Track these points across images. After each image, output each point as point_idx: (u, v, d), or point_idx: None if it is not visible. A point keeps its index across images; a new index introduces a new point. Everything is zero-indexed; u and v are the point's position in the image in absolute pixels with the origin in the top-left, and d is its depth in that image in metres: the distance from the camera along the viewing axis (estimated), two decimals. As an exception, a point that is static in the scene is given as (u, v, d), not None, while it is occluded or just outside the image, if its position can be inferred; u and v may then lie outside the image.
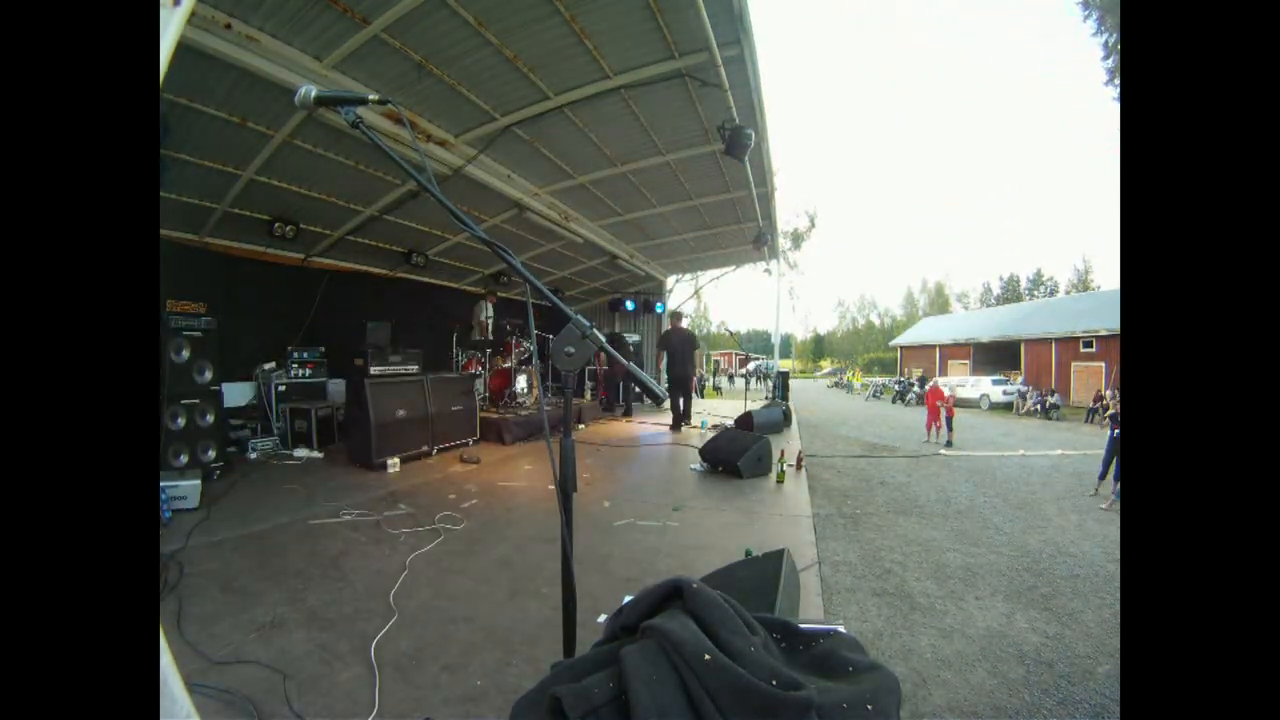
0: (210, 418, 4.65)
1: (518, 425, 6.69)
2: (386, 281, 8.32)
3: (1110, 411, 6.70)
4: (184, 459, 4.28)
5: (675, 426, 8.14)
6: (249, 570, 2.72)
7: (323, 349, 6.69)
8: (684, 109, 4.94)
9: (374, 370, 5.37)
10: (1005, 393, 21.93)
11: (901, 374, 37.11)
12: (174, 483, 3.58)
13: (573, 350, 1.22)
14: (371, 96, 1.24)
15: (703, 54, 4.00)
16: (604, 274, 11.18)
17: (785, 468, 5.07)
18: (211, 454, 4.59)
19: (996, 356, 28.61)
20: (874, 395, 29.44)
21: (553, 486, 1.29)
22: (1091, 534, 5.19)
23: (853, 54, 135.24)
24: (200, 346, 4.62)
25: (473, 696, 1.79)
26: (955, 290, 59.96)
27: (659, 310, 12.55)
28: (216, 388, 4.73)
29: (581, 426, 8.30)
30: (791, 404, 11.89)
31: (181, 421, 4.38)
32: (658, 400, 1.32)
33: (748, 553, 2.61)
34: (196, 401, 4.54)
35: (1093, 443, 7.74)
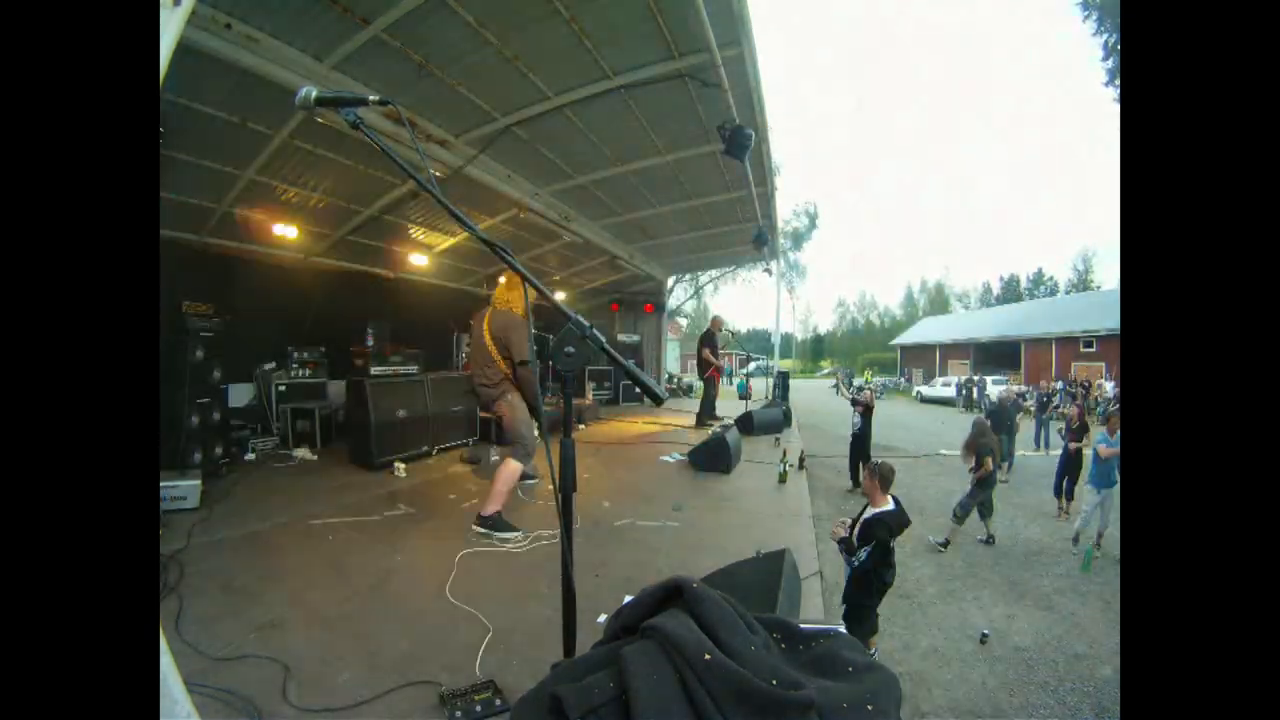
0: (218, 416, 4.75)
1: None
2: (386, 281, 8.31)
3: (1074, 424, 6.16)
4: (198, 456, 4.36)
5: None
6: (249, 570, 2.72)
7: (323, 349, 6.68)
8: (684, 109, 4.94)
9: (374, 370, 5.36)
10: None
11: (902, 374, 37.09)
12: (174, 483, 3.57)
13: (573, 350, 1.22)
14: (372, 97, 1.23)
15: (703, 54, 4.00)
16: (604, 274, 11.18)
17: (786, 467, 5.07)
18: (219, 450, 4.71)
19: (996, 356, 28.60)
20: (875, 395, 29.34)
21: (551, 486, 1.30)
22: (1092, 535, 5.19)
23: (853, 54, 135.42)
24: (212, 346, 4.70)
25: (473, 696, 1.79)
26: (955, 290, 59.91)
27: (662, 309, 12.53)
28: (224, 386, 4.79)
29: (581, 426, 8.30)
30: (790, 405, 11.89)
31: (196, 420, 4.46)
32: (657, 400, 1.32)
33: (757, 553, 2.61)
34: (208, 400, 4.63)
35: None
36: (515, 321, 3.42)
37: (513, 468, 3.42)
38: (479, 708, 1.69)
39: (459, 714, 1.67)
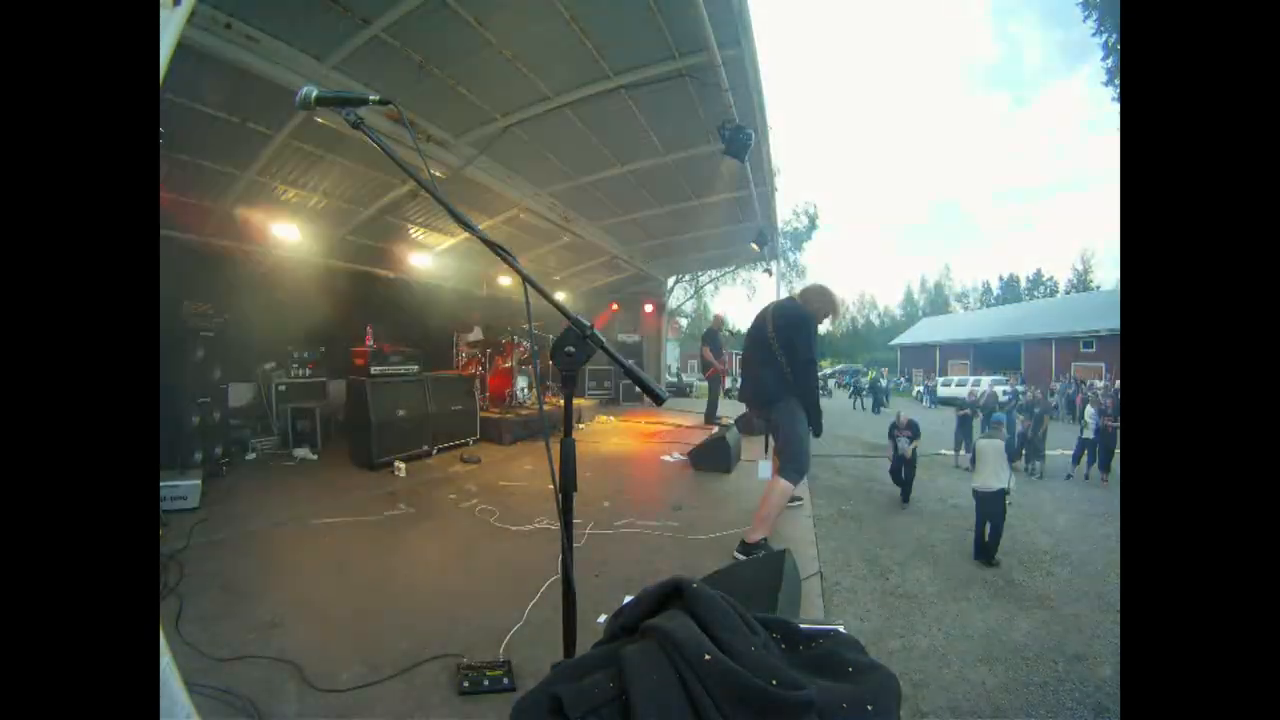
0: (218, 415, 4.77)
1: (518, 425, 6.69)
2: (386, 281, 8.31)
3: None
4: (198, 456, 4.36)
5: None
6: (249, 570, 2.72)
7: (323, 349, 6.68)
8: (684, 109, 4.94)
9: (374, 370, 5.37)
10: (1005, 393, 21.95)
11: (902, 374, 37.05)
12: (174, 483, 3.57)
13: (573, 350, 1.21)
14: (372, 97, 1.23)
15: (703, 54, 4.00)
16: (604, 274, 11.17)
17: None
18: (219, 450, 4.72)
19: (996, 356, 28.58)
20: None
21: (552, 486, 1.29)
22: (1092, 535, 5.20)
23: (853, 54, 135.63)
24: (212, 346, 4.71)
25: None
26: (955, 290, 59.86)
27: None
28: (224, 386, 4.80)
29: (581, 426, 8.30)
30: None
31: (196, 420, 4.47)
32: (658, 400, 1.31)
33: (758, 553, 2.61)
34: (208, 400, 4.63)
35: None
36: (804, 316, 3.17)
37: (784, 487, 3.10)
38: (486, 682, 1.78)
39: (466, 684, 1.77)
